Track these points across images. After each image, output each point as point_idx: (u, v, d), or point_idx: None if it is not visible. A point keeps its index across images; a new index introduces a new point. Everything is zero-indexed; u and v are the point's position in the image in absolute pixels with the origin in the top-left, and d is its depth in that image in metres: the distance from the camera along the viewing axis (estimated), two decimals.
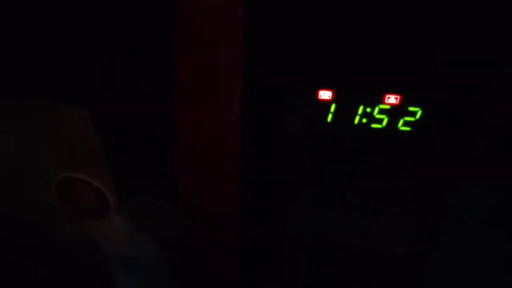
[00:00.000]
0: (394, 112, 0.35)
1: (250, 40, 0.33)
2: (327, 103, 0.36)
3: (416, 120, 0.35)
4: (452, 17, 0.30)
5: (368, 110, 0.35)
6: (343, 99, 0.35)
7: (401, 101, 0.34)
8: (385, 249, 0.43)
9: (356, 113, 0.36)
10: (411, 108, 0.34)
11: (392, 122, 0.35)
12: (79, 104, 0.37)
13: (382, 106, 0.35)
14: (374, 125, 0.36)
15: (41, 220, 0.45)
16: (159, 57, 0.36)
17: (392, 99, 0.34)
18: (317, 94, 0.35)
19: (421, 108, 0.34)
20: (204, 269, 0.46)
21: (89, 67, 0.37)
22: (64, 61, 0.37)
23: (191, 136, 0.37)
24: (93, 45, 0.36)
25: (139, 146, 0.40)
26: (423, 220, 0.41)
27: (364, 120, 0.36)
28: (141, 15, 0.35)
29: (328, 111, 0.36)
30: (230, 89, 0.34)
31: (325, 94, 0.35)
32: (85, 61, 0.37)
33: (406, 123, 0.35)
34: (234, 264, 0.44)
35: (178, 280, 0.48)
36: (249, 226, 0.43)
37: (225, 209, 0.40)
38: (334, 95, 0.35)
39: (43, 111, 0.38)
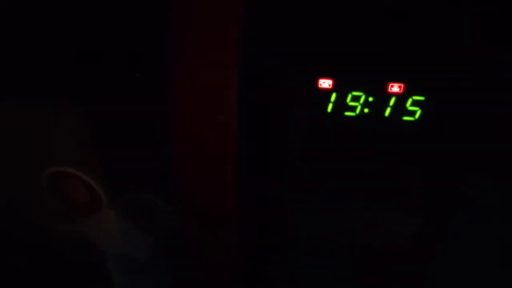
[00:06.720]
0: (398, 102, 0.34)
1: (249, 28, 0.32)
2: (327, 92, 0.34)
3: (421, 110, 0.34)
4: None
5: (370, 99, 0.34)
6: (343, 88, 0.34)
7: (405, 89, 0.33)
8: (389, 245, 0.42)
9: (357, 103, 0.34)
10: (415, 97, 0.33)
11: (395, 112, 0.34)
12: (70, 99, 0.36)
13: (385, 95, 0.34)
14: (376, 115, 0.35)
15: (33, 217, 0.44)
16: (153, 49, 0.35)
17: (395, 87, 0.33)
18: (317, 83, 0.34)
19: (426, 97, 0.33)
20: (203, 267, 0.45)
21: (80, 61, 0.36)
22: (54, 56, 0.37)
23: (187, 130, 0.36)
24: (84, 38, 0.35)
25: (133, 141, 0.39)
26: (428, 215, 0.40)
27: (366, 110, 0.35)
28: (136, 9, 0.34)
29: (328, 101, 0.35)
30: (226, 79, 0.33)
31: (325, 83, 0.34)
32: (76, 55, 0.36)
33: (410, 113, 0.34)
34: (234, 262, 0.43)
35: (177, 279, 0.47)
36: (249, 222, 0.42)
37: (224, 204, 0.39)
38: (334, 84, 0.34)
39: (35, 106, 0.38)
